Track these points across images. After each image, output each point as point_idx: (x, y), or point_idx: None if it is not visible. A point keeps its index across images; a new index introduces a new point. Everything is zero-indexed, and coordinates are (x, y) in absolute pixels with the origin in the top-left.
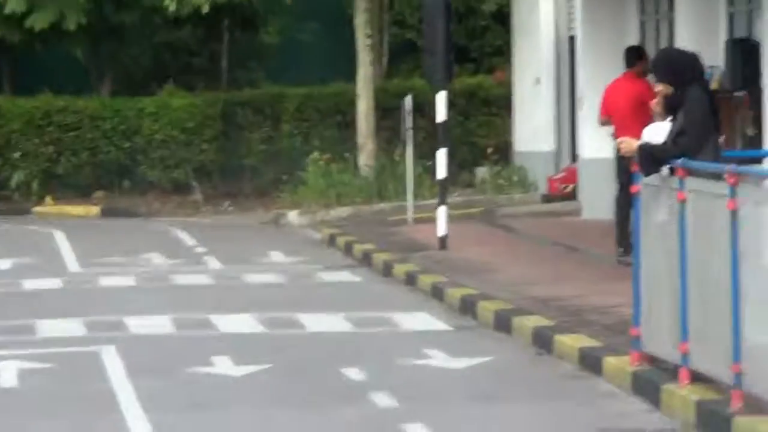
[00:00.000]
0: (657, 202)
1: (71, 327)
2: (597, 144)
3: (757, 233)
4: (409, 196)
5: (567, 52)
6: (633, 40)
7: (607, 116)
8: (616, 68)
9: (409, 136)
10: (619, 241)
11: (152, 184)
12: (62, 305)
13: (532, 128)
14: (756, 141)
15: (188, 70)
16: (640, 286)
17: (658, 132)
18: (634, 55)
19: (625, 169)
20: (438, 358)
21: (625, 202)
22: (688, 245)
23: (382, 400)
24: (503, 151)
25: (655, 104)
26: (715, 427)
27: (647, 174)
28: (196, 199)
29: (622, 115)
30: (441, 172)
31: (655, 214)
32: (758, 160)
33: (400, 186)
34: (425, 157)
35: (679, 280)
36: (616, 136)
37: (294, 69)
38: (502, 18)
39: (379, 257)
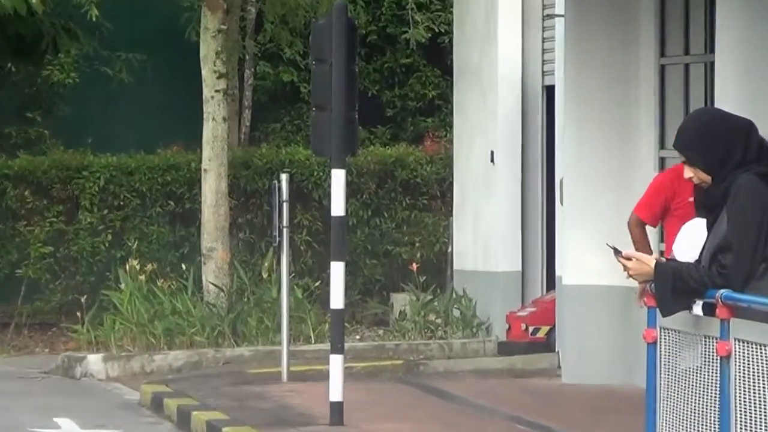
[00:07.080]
0: (684, 356)
1: None
2: (590, 262)
3: None
4: (284, 337)
5: (540, 109)
6: (645, 91)
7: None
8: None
9: (284, 239)
10: None
11: None
12: None
13: (482, 232)
14: None
15: None
16: None
17: (694, 240)
18: None
19: None
20: None
21: None
22: (733, 423)
23: None
24: (436, 269)
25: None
26: None
27: (669, 312)
28: None
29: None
30: (336, 299)
31: (682, 375)
32: None
33: (269, 320)
34: (311, 274)
35: None
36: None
37: (102, 127)
38: (438, 53)
39: None
